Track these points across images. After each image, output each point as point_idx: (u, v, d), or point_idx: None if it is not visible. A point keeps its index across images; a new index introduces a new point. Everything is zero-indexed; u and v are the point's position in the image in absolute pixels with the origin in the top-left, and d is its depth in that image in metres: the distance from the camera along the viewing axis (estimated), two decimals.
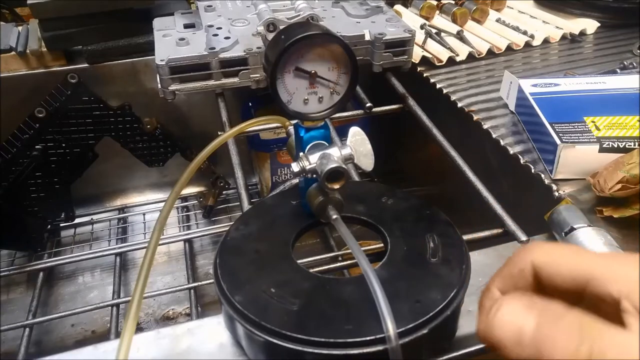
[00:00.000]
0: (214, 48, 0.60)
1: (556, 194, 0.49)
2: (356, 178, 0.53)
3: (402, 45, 0.65)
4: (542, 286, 0.25)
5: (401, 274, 0.35)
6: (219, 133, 0.43)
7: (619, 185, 0.43)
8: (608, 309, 0.23)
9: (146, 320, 0.79)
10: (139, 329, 0.74)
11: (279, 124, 0.48)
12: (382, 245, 0.39)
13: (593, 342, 0.21)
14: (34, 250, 0.80)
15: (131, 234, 0.90)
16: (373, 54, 0.65)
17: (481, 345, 0.35)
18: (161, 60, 0.59)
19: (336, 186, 0.34)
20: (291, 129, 0.41)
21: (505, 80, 0.63)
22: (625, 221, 0.43)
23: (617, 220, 0.44)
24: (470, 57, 0.73)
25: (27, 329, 0.68)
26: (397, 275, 0.35)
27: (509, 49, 0.75)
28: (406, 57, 0.66)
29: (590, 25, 0.80)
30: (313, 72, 0.34)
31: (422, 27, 0.79)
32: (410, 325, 0.30)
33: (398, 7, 0.88)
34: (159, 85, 0.61)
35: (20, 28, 0.81)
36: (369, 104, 0.64)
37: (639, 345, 0.20)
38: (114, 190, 0.95)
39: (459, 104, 0.63)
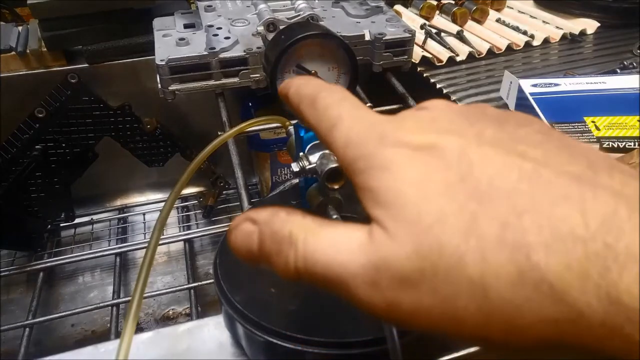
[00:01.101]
0: (214, 48, 0.60)
1: None
2: None
3: (402, 45, 0.65)
4: None
5: None
6: (219, 133, 0.43)
7: None
8: None
9: (146, 320, 0.79)
10: (139, 329, 0.74)
11: (279, 124, 0.48)
12: None
13: (296, 251, 0.19)
14: (34, 250, 0.80)
15: (131, 234, 0.90)
16: (373, 54, 0.65)
17: None
18: (161, 60, 0.59)
19: (336, 186, 0.34)
20: (291, 129, 0.41)
21: (505, 80, 0.63)
22: None
23: None
24: (470, 57, 0.73)
25: (27, 329, 0.68)
26: None
27: (509, 49, 0.75)
28: (406, 57, 0.66)
29: (590, 25, 0.80)
30: (313, 71, 0.34)
31: (422, 27, 0.79)
32: None
33: (398, 7, 0.88)
34: (159, 85, 0.61)
35: (20, 28, 0.81)
36: (369, 104, 0.64)
37: (348, 241, 0.18)
38: (114, 190, 0.95)
39: (459, 104, 0.63)
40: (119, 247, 0.83)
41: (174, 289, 0.77)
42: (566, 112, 0.53)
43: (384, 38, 0.63)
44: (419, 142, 0.19)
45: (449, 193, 0.17)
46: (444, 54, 0.72)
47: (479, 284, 0.16)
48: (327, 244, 0.19)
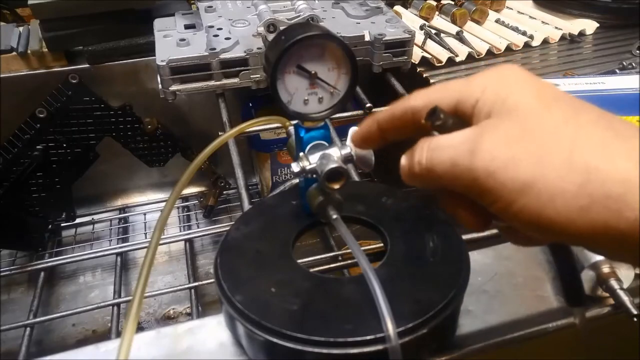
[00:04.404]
0: (215, 49, 0.60)
1: None
2: (356, 178, 0.53)
3: (402, 45, 0.65)
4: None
5: (401, 273, 0.35)
6: (220, 133, 0.44)
7: None
8: None
9: (147, 319, 0.79)
10: (140, 328, 0.75)
11: (279, 124, 0.48)
12: (382, 245, 0.39)
13: (422, 150, 0.28)
14: (35, 250, 0.80)
15: (132, 233, 0.90)
16: (373, 55, 0.65)
17: (481, 345, 0.36)
18: (162, 61, 0.59)
19: (336, 186, 0.35)
20: (291, 129, 0.41)
21: None
22: None
23: None
24: (470, 58, 0.74)
25: (28, 329, 0.68)
26: (397, 275, 0.35)
27: (508, 49, 0.76)
28: (406, 57, 0.66)
29: (589, 25, 0.80)
30: (313, 72, 0.35)
31: (421, 27, 0.79)
32: (410, 325, 0.30)
33: (398, 7, 0.88)
34: (160, 85, 0.61)
35: (21, 28, 0.81)
36: (368, 104, 0.64)
37: (461, 139, 0.25)
38: (114, 190, 0.95)
39: None
40: (120, 247, 0.83)
41: (175, 288, 0.77)
42: None
43: (383, 39, 0.64)
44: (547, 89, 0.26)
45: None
46: (443, 55, 0.73)
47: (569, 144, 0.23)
48: (442, 139, 0.27)
